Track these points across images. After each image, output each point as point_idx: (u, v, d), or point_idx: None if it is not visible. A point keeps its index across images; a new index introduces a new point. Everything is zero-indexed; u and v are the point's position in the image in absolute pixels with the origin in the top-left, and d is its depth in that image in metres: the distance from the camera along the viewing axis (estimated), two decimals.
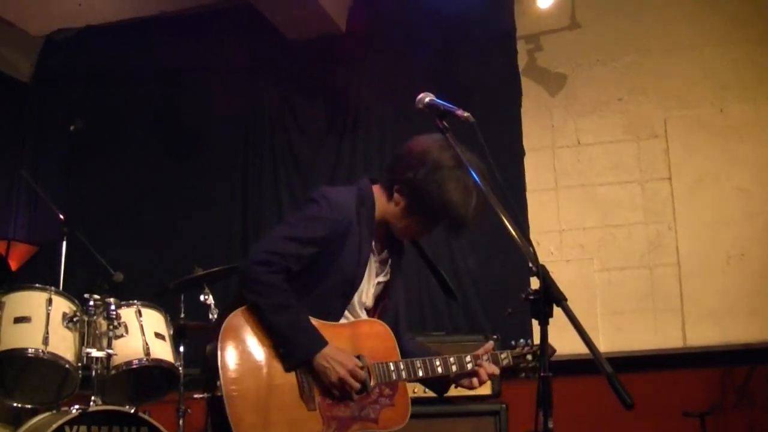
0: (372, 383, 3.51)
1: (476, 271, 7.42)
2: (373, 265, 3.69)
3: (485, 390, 5.98)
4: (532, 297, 2.82)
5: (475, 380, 3.77)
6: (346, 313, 3.64)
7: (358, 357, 3.49)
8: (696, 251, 7.17)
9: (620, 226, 7.36)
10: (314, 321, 3.46)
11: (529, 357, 3.86)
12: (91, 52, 8.82)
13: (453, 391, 5.93)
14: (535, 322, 2.81)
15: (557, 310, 2.79)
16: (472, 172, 3.21)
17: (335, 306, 3.58)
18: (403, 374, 3.58)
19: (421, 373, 3.62)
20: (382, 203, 3.66)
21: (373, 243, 3.68)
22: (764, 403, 6.75)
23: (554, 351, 3.69)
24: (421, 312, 7.42)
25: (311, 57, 8.26)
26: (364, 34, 8.11)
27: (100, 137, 8.32)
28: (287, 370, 3.38)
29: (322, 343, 3.41)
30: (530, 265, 2.87)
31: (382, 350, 3.61)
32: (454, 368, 3.71)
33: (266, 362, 3.37)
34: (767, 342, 6.73)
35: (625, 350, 6.98)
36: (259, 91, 8.43)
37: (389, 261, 3.79)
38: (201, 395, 5.65)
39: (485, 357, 3.77)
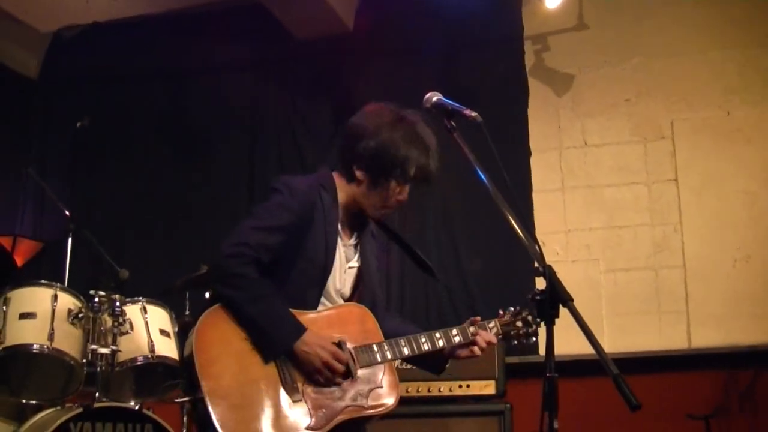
0: (356, 367, 3.47)
1: (482, 272, 7.42)
2: (341, 250, 3.67)
3: (489, 390, 5.99)
4: (538, 297, 2.81)
5: (475, 348, 3.71)
6: (325, 302, 3.61)
7: (339, 343, 3.45)
8: (702, 253, 7.16)
9: (626, 228, 7.35)
10: (293, 311, 3.44)
11: (519, 324, 3.81)
12: (98, 50, 8.82)
13: (457, 391, 6.03)
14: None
15: (563, 311, 2.79)
16: (478, 170, 3.19)
17: (310, 295, 3.56)
18: (388, 354, 3.55)
19: (406, 351, 3.59)
20: (345, 187, 3.68)
21: (340, 228, 3.67)
22: None
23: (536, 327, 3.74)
24: (427, 315, 7.42)
25: (318, 57, 8.26)
26: (371, 34, 8.11)
27: (107, 134, 8.33)
28: (268, 360, 3.34)
29: (301, 329, 3.37)
30: (536, 265, 2.86)
31: (363, 333, 3.58)
32: (440, 343, 3.66)
33: (245, 357, 3.33)
34: None
35: (629, 351, 6.95)
36: (265, 91, 8.44)
37: (359, 246, 3.77)
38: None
39: (472, 328, 3.73)
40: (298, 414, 3.31)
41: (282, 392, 3.32)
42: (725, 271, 7.08)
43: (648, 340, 7.10)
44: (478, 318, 3.79)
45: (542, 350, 4.13)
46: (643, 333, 7.13)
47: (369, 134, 3.59)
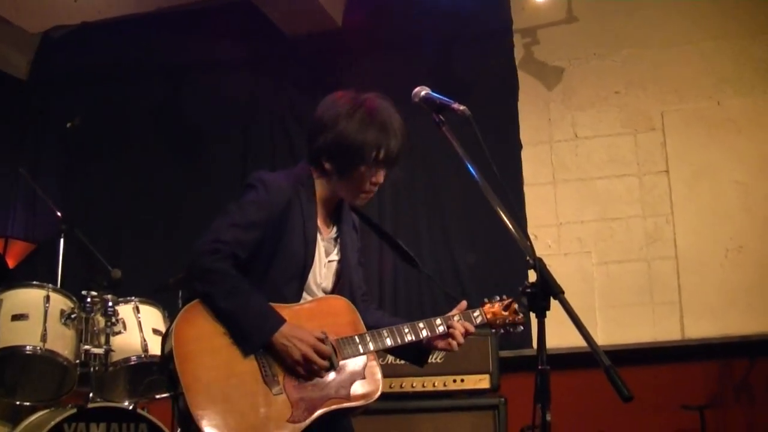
0: (338, 359, 3.45)
1: (476, 267, 7.42)
2: (321, 244, 3.66)
3: (484, 384, 5.99)
4: (529, 290, 2.81)
5: (452, 342, 3.69)
6: (306, 296, 3.59)
7: (322, 337, 3.43)
8: (694, 244, 7.17)
9: (618, 220, 7.36)
10: (273, 305, 3.42)
11: (506, 312, 3.80)
12: (88, 49, 8.81)
13: (451, 386, 6.03)
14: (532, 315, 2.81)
15: (555, 304, 2.79)
16: (468, 164, 3.19)
17: (291, 290, 3.53)
18: (370, 346, 3.53)
19: (389, 342, 3.57)
20: (322, 180, 3.67)
21: (320, 222, 3.67)
22: (763, 397, 6.75)
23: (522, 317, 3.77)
24: (422, 309, 7.41)
25: (309, 53, 8.26)
26: (360, 30, 8.11)
27: (98, 134, 8.31)
28: (247, 354, 3.31)
29: (280, 321, 3.35)
30: (527, 258, 2.86)
31: (344, 325, 3.57)
32: (424, 333, 3.64)
33: (225, 351, 3.31)
34: (766, 335, 6.72)
35: (623, 343, 6.97)
36: (257, 87, 8.43)
37: (339, 239, 3.76)
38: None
39: (456, 317, 3.72)
40: (279, 407, 3.29)
41: (262, 385, 3.30)
42: (718, 262, 7.09)
43: (641, 332, 7.11)
44: (464, 304, 3.79)
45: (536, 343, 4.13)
46: (637, 325, 7.14)
47: (327, 126, 3.59)
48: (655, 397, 6.62)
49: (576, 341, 2.77)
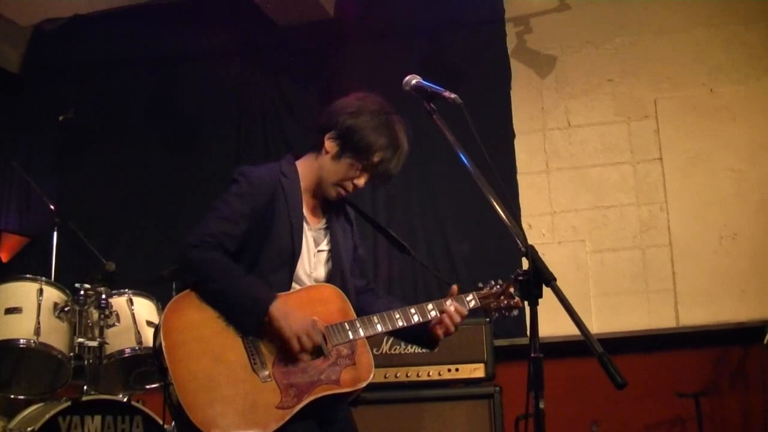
0: (329, 346, 3.46)
1: (470, 254, 7.41)
2: (309, 234, 3.71)
3: (479, 373, 5.99)
4: (521, 278, 2.82)
5: (448, 324, 3.71)
6: (296, 286, 3.63)
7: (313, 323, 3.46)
8: (688, 231, 7.17)
9: (612, 208, 7.35)
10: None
11: (501, 297, 3.80)
12: (81, 42, 8.78)
13: (446, 375, 6.03)
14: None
15: (550, 293, 2.79)
16: (461, 155, 3.19)
17: (279, 279, 3.57)
18: (361, 332, 3.56)
19: (379, 328, 3.59)
20: (309, 169, 3.77)
21: (306, 213, 3.72)
22: (758, 383, 6.75)
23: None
24: (416, 298, 7.40)
25: (301, 43, 8.23)
26: (352, 20, 8.09)
27: (91, 127, 8.29)
28: (236, 341, 3.36)
29: (273, 296, 3.40)
30: (519, 245, 2.87)
31: (334, 312, 3.59)
32: (415, 318, 3.67)
33: (213, 340, 3.36)
34: (760, 321, 6.72)
35: (618, 331, 6.98)
36: (250, 78, 8.40)
37: (328, 229, 3.81)
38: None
39: (449, 302, 3.74)
40: (268, 393, 3.32)
41: (250, 373, 3.33)
42: (712, 249, 7.09)
43: (636, 320, 7.11)
44: (456, 288, 3.81)
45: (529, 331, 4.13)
46: (631, 313, 7.14)
47: (351, 111, 3.69)
48: (651, 384, 6.64)
49: (570, 330, 2.77)
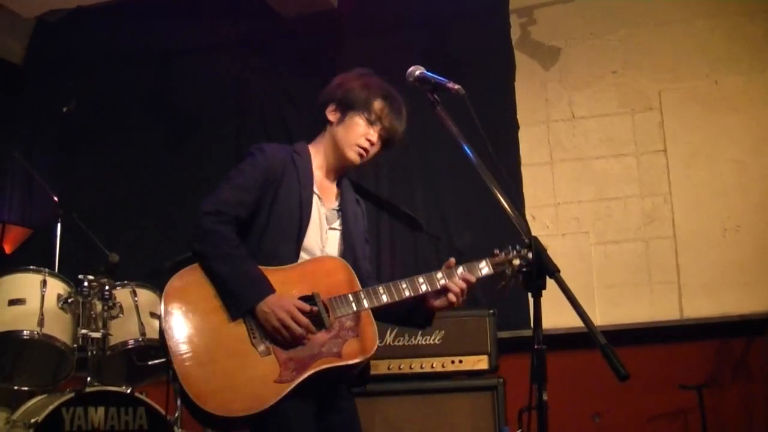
0: (332, 318, 3.45)
1: (472, 245, 7.39)
2: (321, 211, 3.73)
3: (482, 365, 5.98)
4: (525, 269, 2.81)
5: (451, 296, 3.60)
6: (305, 257, 3.62)
7: (310, 297, 3.46)
8: (692, 223, 7.16)
9: (616, 199, 7.34)
10: (265, 268, 3.48)
11: (516, 262, 3.54)
12: (83, 34, 8.77)
13: (450, 367, 6.02)
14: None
15: (553, 285, 2.78)
16: (465, 146, 3.19)
17: (287, 250, 3.58)
18: (365, 303, 3.52)
19: (385, 299, 3.53)
20: (321, 147, 3.88)
21: (319, 191, 3.75)
22: (761, 375, 6.76)
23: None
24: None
25: (304, 34, 8.21)
26: (355, 10, 8.06)
27: (94, 118, 8.28)
28: (235, 317, 3.37)
29: (268, 291, 3.41)
30: (523, 237, 2.86)
31: (339, 284, 3.57)
32: (423, 287, 3.59)
33: (213, 315, 3.38)
34: (763, 314, 6.72)
35: (621, 323, 6.98)
36: (252, 70, 8.39)
37: (341, 211, 3.83)
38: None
39: (460, 269, 3.63)
40: (266, 367, 3.32)
41: (249, 346, 3.34)
42: (715, 241, 7.09)
43: (639, 312, 7.11)
44: (453, 261, 3.68)
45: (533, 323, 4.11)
46: (635, 305, 7.14)
47: (338, 83, 3.90)
48: (654, 376, 6.63)
49: (574, 322, 2.77)
